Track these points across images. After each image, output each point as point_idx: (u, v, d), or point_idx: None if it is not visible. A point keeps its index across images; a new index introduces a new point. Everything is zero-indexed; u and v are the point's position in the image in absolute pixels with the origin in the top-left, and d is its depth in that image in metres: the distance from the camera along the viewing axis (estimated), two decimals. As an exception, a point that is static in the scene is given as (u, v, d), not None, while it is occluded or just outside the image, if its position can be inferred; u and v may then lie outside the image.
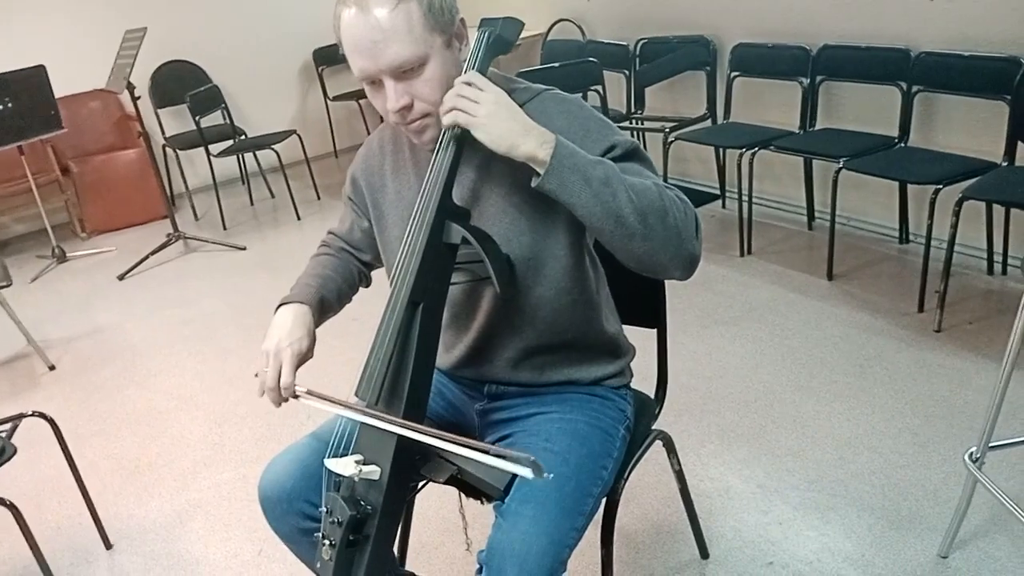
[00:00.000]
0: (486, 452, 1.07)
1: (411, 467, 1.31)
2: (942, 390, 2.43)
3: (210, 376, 3.16)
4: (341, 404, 1.29)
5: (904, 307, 2.91)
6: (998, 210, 2.96)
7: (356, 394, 1.30)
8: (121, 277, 4.28)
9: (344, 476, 1.25)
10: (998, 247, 3.02)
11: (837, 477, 2.15)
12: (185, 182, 5.33)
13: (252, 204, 5.34)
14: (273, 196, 5.41)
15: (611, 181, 1.17)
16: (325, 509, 1.29)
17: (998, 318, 2.77)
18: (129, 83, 3.97)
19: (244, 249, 4.46)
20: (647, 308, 1.72)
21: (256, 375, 1.39)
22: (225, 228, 4.88)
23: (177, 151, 5.17)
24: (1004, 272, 3.04)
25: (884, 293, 3.03)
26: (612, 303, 1.56)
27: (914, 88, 3.12)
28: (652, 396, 1.74)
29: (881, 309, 2.92)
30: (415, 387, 1.27)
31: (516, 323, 1.42)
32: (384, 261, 1.52)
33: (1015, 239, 2.98)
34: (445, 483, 1.43)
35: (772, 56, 3.62)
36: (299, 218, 4.88)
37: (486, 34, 1.27)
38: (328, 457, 1.29)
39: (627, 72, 4.20)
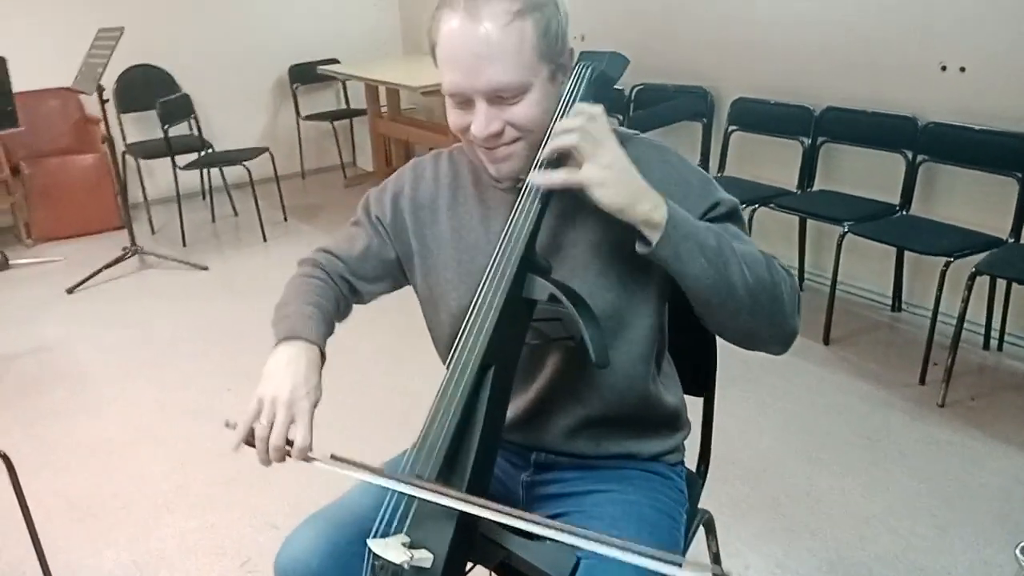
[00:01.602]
0: (620, 547, 0.90)
1: (468, 553, 1.15)
2: (955, 470, 2.36)
3: (171, 407, 2.92)
4: (377, 472, 1.12)
5: (905, 378, 2.85)
6: (996, 285, 2.94)
7: (409, 468, 1.13)
8: (70, 290, 3.98)
9: (393, 563, 1.08)
10: (995, 323, 3.00)
11: (859, 559, 2.04)
12: (144, 193, 5.05)
13: (214, 221, 5.08)
14: (237, 214, 5.16)
15: (724, 251, 1.07)
16: (365, 600, 1.11)
17: (1001, 395, 2.73)
18: (99, 85, 3.73)
19: (206, 269, 4.21)
20: (696, 375, 1.59)
21: (228, 424, 1.15)
22: (185, 245, 4.61)
23: (139, 160, 4.89)
24: (1000, 348, 3.02)
25: (882, 362, 2.98)
26: (675, 371, 1.43)
27: (919, 157, 3.10)
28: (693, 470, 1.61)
29: (882, 379, 2.86)
30: (480, 463, 1.11)
31: (580, 389, 1.27)
32: (424, 303, 1.34)
33: (1013, 316, 2.96)
34: (492, 570, 1.27)
35: (773, 113, 3.59)
36: (265, 240, 4.65)
37: (588, 70, 1.14)
38: (372, 537, 1.11)
39: (621, 117, 4.13)
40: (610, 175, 1.02)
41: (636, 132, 1.25)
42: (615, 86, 1.20)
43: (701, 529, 1.62)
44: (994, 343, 3.02)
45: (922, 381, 2.81)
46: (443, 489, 1.04)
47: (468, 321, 1.12)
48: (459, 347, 1.12)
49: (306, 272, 1.32)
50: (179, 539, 2.23)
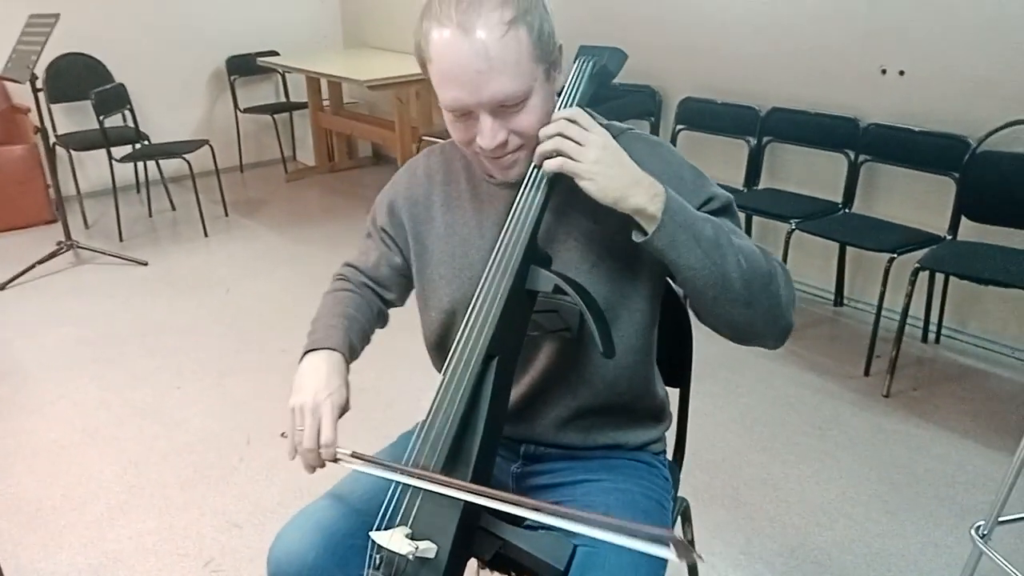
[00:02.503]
0: (615, 528, 0.93)
1: (470, 543, 1.15)
2: (901, 457, 2.46)
3: (118, 406, 2.82)
4: (396, 468, 1.12)
5: (850, 370, 2.96)
6: (934, 281, 3.07)
7: (414, 459, 1.13)
8: (2, 287, 3.81)
9: (398, 553, 1.07)
10: (932, 317, 3.13)
11: (818, 545, 2.11)
12: (77, 186, 4.85)
13: (150, 215, 4.93)
14: (174, 208, 5.01)
15: (720, 241, 1.09)
16: (368, 591, 1.11)
17: (941, 385, 2.85)
18: (33, 73, 3.58)
19: (146, 264, 4.08)
20: (673, 366, 1.63)
21: (283, 435, 1.19)
22: (122, 240, 4.46)
23: (71, 151, 4.71)
24: (937, 341, 3.15)
25: (828, 355, 3.08)
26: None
27: (860, 157, 3.22)
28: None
29: (829, 371, 2.96)
30: (484, 453, 1.12)
31: (572, 381, 1.29)
32: (421, 301, 1.35)
33: (950, 310, 3.10)
34: (488, 563, 1.27)
35: (720, 113, 3.67)
36: (207, 234, 4.53)
37: (589, 64, 1.16)
38: (375, 529, 1.11)
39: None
40: (598, 169, 1.04)
41: (630, 127, 1.27)
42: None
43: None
44: (932, 336, 3.16)
45: (867, 373, 2.92)
46: (470, 486, 1.04)
47: (472, 312, 1.13)
48: (463, 338, 1.12)
49: (336, 287, 1.38)
50: (136, 541, 2.16)
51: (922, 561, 2.05)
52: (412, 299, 1.38)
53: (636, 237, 1.08)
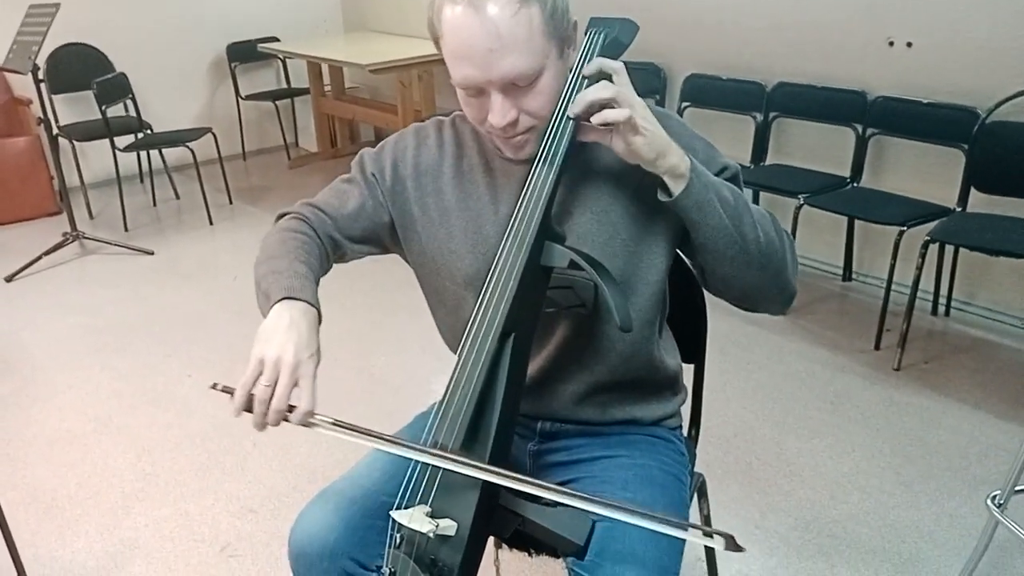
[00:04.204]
0: (657, 519, 0.93)
1: (490, 519, 1.15)
2: (915, 429, 2.46)
3: (130, 395, 2.83)
4: (375, 436, 1.10)
5: (860, 345, 2.95)
6: (944, 253, 3.06)
7: (432, 438, 1.13)
8: (9, 278, 3.81)
9: (419, 532, 1.08)
10: (942, 289, 3.12)
11: (833, 518, 2.11)
12: (81, 177, 4.84)
13: (154, 205, 4.92)
14: (178, 197, 5.01)
15: (739, 205, 1.11)
16: (389, 570, 1.11)
17: (951, 358, 2.85)
18: (34, 64, 3.56)
19: (152, 254, 4.08)
20: (687, 341, 1.63)
21: (214, 386, 1.08)
22: (127, 230, 4.46)
23: (73, 142, 4.70)
24: (947, 313, 3.14)
25: (838, 330, 3.08)
26: (672, 335, 1.46)
27: (868, 131, 3.20)
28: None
29: (839, 346, 2.95)
30: (501, 430, 1.11)
31: (588, 356, 1.28)
32: (425, 273, 1.32)
33: (959, 283, 3.09)
34: (507, 540, 1.27)
35: (726, 89, 3.64)
36: (212, 223, 4.52)
37: (601, 35, 1.14)
38: (394, 508, 1.11)
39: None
40: (647, 125, 1.04)
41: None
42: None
43: (693, 492, 1.65)
44: (941, 309, 3.14)
45: (877, 347, 2.91)
46: (455, 456, 1.05)
47: (487, 289, 1.12)
48: (479, 315, 1.11)
49: (292, 227, 1.24)
50: (153, 527, 2.17)
51: (937, 532, 2.05)
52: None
53: (662, 197, 1.09)
